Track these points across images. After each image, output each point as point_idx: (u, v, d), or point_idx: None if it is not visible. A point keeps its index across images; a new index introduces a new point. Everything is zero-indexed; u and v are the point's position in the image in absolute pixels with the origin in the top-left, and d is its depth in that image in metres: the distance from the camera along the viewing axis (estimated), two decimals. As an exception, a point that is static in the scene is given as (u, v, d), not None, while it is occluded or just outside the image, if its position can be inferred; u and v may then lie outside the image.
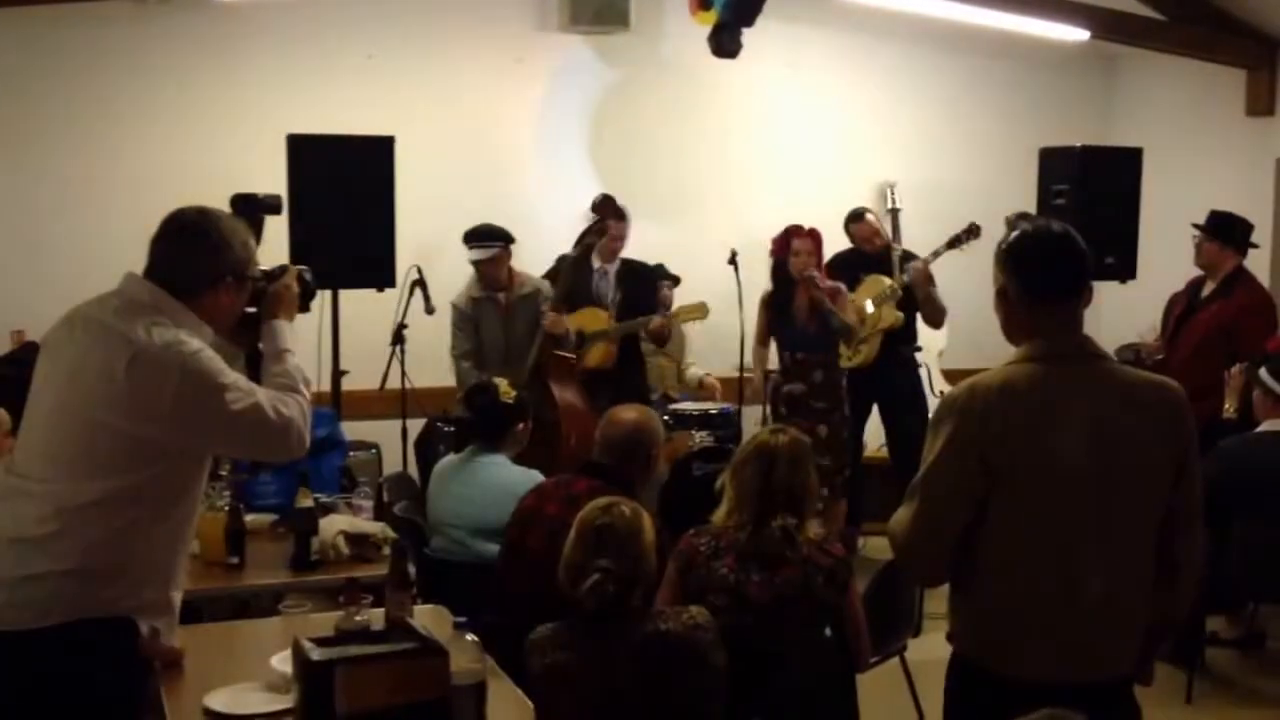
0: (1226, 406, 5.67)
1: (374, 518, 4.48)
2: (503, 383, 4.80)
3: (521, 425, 4.74)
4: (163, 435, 2.78)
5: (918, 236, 6.90)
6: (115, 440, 2.76)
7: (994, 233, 2.95)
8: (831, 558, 3.58)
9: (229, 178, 6.55)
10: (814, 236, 6.46)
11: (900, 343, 6.82)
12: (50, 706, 2.72)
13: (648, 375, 6.88)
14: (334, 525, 4.19)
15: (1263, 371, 5.37)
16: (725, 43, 6.47)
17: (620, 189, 6.60)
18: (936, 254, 6.59)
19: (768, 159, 7.95)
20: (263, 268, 3.15)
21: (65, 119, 6.71)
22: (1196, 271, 6.39)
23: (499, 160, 7.39)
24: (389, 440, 6.38)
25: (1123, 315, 6.83)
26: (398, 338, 6.12)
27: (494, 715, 2.79)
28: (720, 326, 6.71)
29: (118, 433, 2.76)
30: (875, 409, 6.96)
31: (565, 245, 6.42)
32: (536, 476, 4.48)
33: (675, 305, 6.82)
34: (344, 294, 6.03)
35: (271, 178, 5.94)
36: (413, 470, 6.26)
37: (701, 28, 6.57)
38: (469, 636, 2.77)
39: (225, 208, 3.12)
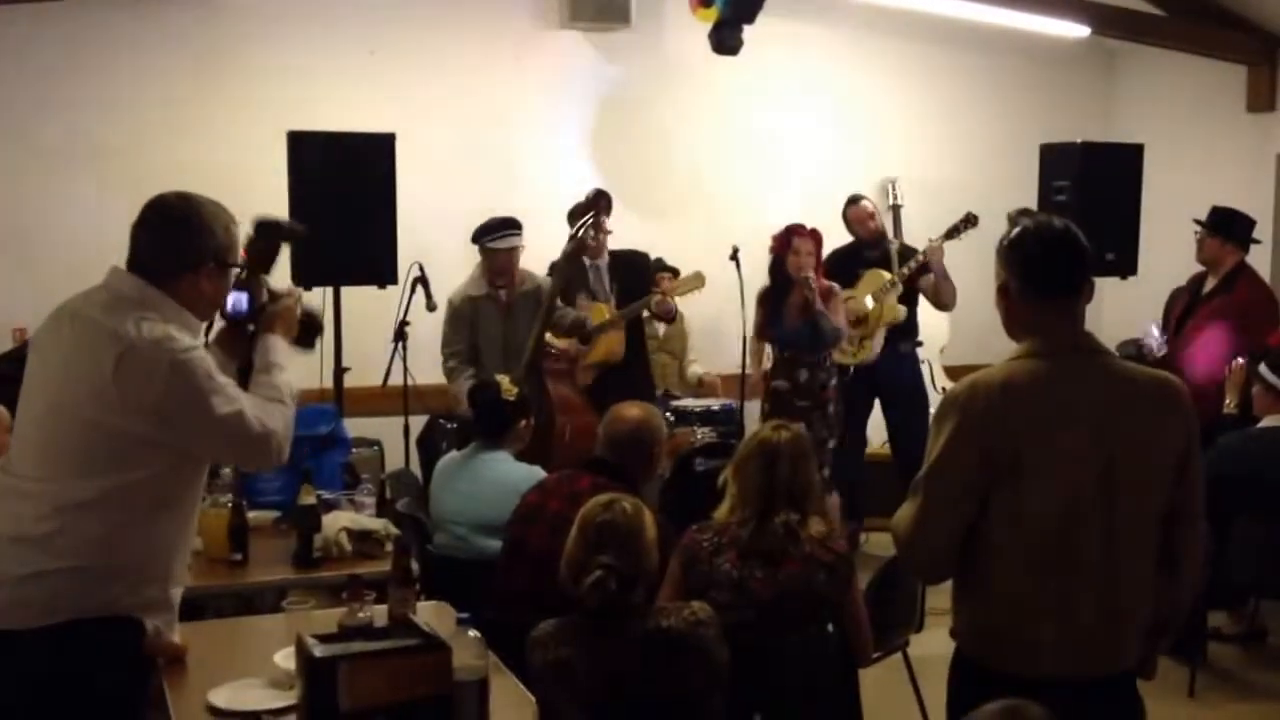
0: (1227, 402, 5.68)
1: (376, 514, 4.48)
2: (504, 380, 4.81)
3: (524, 422, 4.76)
4: (151, 432, 2.77)
5: (919, 233, 6.90)
6: (108, 438, 2.76)
7: (995, 229, 2.95)
8: (834, 554, 3.59)
9: (230, 175, 6.55)
10: (815, 237, 6.47)
11: (902, 338, 6.84)
12: (52, 706, 2.72)
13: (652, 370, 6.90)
14: (337, 522, 4.19)
15: (1262, 367, 5.38)
16: (726, 39, 6.47)
17: (621, 185, 6.60)
18: (937, 242, 6.61)
19: (768, 155, 7.95)
20: (272, 288, 3.16)
21: (66, 116, 6.70)
22: (1197, 267, 6.39)
23: (500, 157, 7.39)
24: (391, 437, 6.39)
25: (1124, 311, 6.84)
26: (399, 334, 6.12)
27: (496, 711, 2.80)
28: (722, 323, 6.71)
29: (109, 430, 2.75)
30: (877, 405, 6.96)
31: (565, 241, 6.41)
32: (539, 473, 4.49)
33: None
34: (345, 291, 6.03)
35: (272, 175, 5.95)
36: (415, 467, 6.26)
37: (702, 24, 6.57)
38: (471, 633, 2.77)
39: (227, 206, 3.11)
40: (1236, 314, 6.08)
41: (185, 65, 6.87)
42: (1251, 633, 5.86)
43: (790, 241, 6.43)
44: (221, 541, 4.08)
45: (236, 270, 3.03)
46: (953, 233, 6.58)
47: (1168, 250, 6.68)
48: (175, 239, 2.90)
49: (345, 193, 5.81)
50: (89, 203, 6.61)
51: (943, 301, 6.78)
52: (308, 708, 2.59)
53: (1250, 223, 6.32)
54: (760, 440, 3.70)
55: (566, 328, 6.19)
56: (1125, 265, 6.47)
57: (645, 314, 6.61)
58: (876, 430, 7.10)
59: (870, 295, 6.69)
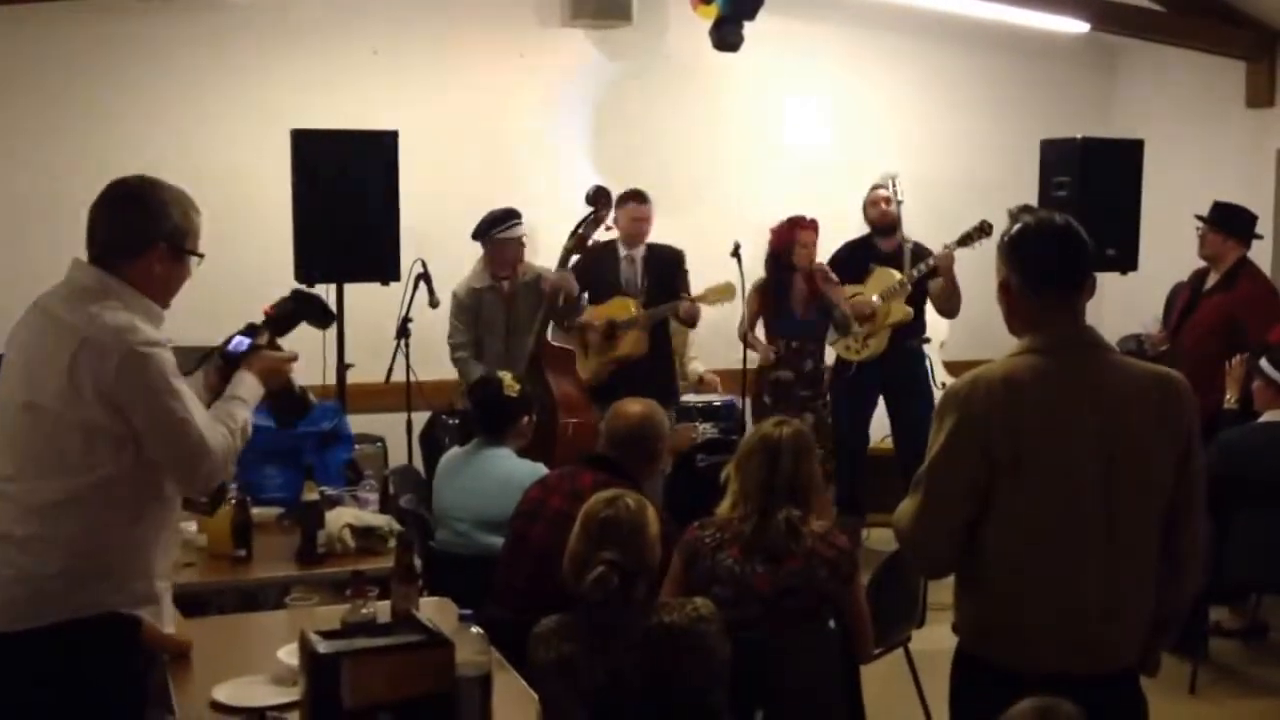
0: (1228, 397, 5.68)
1: (379, 511, 4.49)
2: (507, 376, 4.82)
3: (526, 418, 4.76)
4: (109, 423, 2.72)
5: (919, 229, 6.89)
6: (75, 434, 2.72)
7: (996, 225, 2.96)
8: (835, 550, 3.59)
9: (233, 173, 6.60)
10: (815, 228, 6.57)
11: (908, 335, 6.80)
12: (46, 708, 2.71)
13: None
14: (340, 518, 4.20)
15: (1263, 361, 5.37)
16: (727, 36, 6.48)
17: (622, 182, 6.60)
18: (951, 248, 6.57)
19: (769, 152, 7.96)
20: (277, 342, 3.16)
21: (68, 115, 6.70)
22: (1198, 263, 6.39)
23: (502, 154, 7.39)
24: (394, 433, 6.40)
25: (1124, 306, 6.84)
26: (402, 331, 6.14)
27: (499, 707, 2.80)
28: (722, 320, 6.72)
29: (74, 425, 2.72)
30: (881, 400, 6.95)
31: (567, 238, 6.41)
32: (542, 469, 4.49)
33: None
34: (349, 288, 6.03)
35: (276, 173, 5.96)
36: (418, 463, 6.28)
37: (703, 21, 6.58)
38: (474, 629, 2.78)
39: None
40: (1238, 309, 6.08)
41: (189, 65, 6.87)
42: (1253, 628, 5.86)
43: (793, 233, 6.52)
44: (225, 538, 4.09)
45: (195, 259, 2.95)
46: (966, 240, 6.39)
47: (1168, 246, 6.68)
48: (126, 218, 2.86)
49: (348, 190, 5.82)
50: (91, 202, 6.60)
51: (947, 310, 6.70)
52: (311, 704, 2.60)
53: (1252, 218, 6.31)
54: (762, 436, 3.70)
55: (567, 329, 6.20)
56: (1126, 261, 6.47)
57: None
58: (878, 426, 7.10)
59: (878, 294, 6.65)
